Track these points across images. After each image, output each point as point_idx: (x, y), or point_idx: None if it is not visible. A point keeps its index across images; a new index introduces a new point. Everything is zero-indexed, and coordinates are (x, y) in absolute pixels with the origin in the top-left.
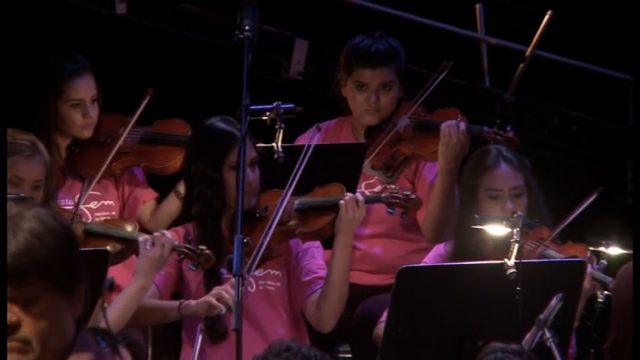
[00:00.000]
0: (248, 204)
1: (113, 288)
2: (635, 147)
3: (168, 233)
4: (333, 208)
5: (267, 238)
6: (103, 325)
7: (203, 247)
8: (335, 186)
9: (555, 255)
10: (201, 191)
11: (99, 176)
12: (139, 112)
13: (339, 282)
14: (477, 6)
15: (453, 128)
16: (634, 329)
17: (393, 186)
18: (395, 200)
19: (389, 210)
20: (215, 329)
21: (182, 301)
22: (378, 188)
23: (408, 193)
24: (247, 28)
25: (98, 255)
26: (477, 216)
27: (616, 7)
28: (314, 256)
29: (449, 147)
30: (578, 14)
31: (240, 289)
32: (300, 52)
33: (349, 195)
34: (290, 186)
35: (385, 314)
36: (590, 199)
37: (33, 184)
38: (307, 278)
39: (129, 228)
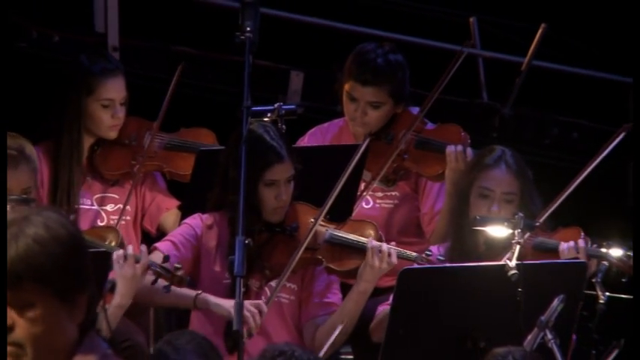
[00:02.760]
0: (276, 218)
1: (114, 289)
2: (636, 148)
3: (145, 250)
4: (364, 251)
5: (294, 264)
6: (103, 326)
7: (179, 266)
8: (369, 225)
9: (549, 241)
10: (235, 201)
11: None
12: (172, 86)
13: (346, 323)
14: (471, 20)
15: (460, 155)
16: (634, 328)
17: (429, 251)
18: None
19: None
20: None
21: (200, 292)
22: (379, 194)
23: (442, 258)
24: (248, 29)
25: (99, 256)
26: (477, 216)
27: (608, 12)
28: (330, 278)
29: (456, 172)
30: (570, 22)
31: (242, 290)
32: (296, 84)
33: (383, 246)
34: (322, 210)
35: (380, 308)
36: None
37: (22, 193)
38: (317, 301)
39: (111, 240)
